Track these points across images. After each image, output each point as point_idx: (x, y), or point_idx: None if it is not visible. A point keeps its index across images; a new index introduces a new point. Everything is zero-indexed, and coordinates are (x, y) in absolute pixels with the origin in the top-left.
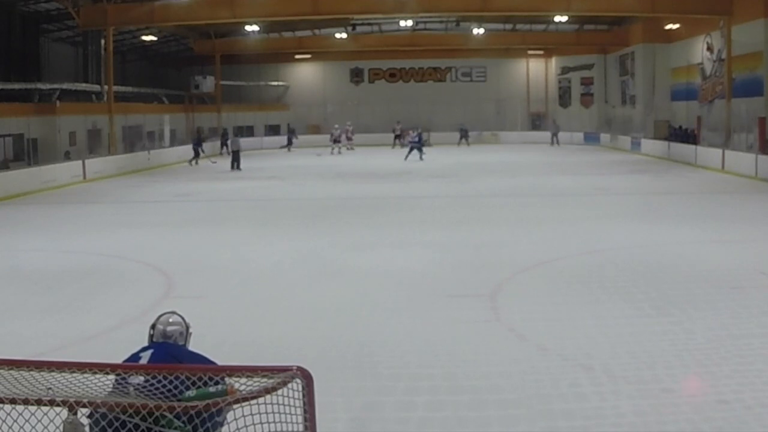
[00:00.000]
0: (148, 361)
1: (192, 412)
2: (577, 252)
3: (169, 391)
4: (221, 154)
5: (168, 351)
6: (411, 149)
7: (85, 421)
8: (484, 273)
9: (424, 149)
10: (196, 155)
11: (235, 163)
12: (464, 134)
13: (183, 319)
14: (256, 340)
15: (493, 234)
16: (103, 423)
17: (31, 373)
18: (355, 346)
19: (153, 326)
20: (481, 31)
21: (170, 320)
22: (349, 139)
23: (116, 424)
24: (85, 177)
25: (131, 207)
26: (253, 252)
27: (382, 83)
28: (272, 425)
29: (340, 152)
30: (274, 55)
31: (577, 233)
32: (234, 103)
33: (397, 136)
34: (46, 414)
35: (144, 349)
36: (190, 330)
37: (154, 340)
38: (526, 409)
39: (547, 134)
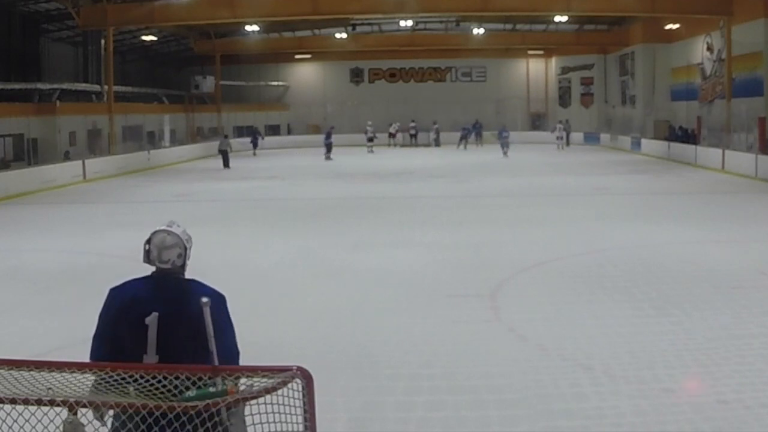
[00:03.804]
0: (156, 327)
1: (192, 412)
2: (577, 252)
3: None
4: (254, 154)
5: (176, 306)
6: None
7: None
8: (484, 273)
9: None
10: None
11: (225, 162)
12: (465, 135)
13: (180, 235)
14: (256, 340)
15: (493, 234)
16: (130, 425)
17: (31, 373)
18: (355, 346)
19: (149, 241)
20: (481, 31)
21: (167, 242)
22: (392, 135)
23: (143, 426)
24: (85, 177)
25: (131, 207)
26: (252, 252)
27: (382, 83)
28: (272, 425)
29: (373, 151)
30: (274, 55)
31: (577, 233)
32: (234, 103)
33: (412, 135)
34: (46, 414)
35: (145, 298)
36: (189, 244)
37: (150, 258)
38: (526, 409)
39: (548, 134)
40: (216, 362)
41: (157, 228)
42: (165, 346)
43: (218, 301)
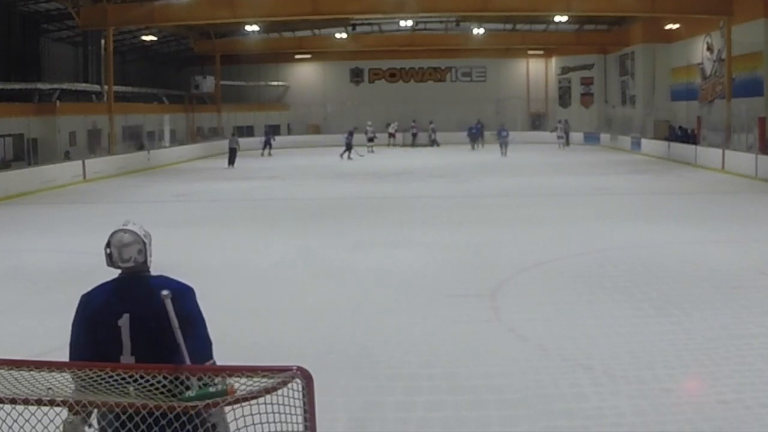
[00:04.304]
0: (129, 328)
1: (192, 412)
2: (577, 252)
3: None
4: (263, 154)
5: (144, 305)
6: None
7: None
8: (484, 273)
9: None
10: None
11: (231, 160)
12: (474, 136)
13: (137, 231)
14: (256, 340)
15: (493, 234)
16: (117, 424)
17: (31, 373)
18: (355, 346)
19: (108, 244)
20: (481, 31)
21: (125, 240)
22: (392, 136)
23: (129, 425)
24: (85, 177)
25: (131, 207)
26: (252, 252)
27: (382, 83)
28: (272, 425)
29: (373, 151)
30: (274, 55)
31: (577, 233)
32: (234, 103)
33: (413, 135)
34: (46, 414)
35: (115, 301)
36: (148, 239)
37: (113, 260)
38: (526, 409)
39: (548, 134)
40: (185, 356)
41: (114, 229)
42: (139, 346)
43: (187, 293)
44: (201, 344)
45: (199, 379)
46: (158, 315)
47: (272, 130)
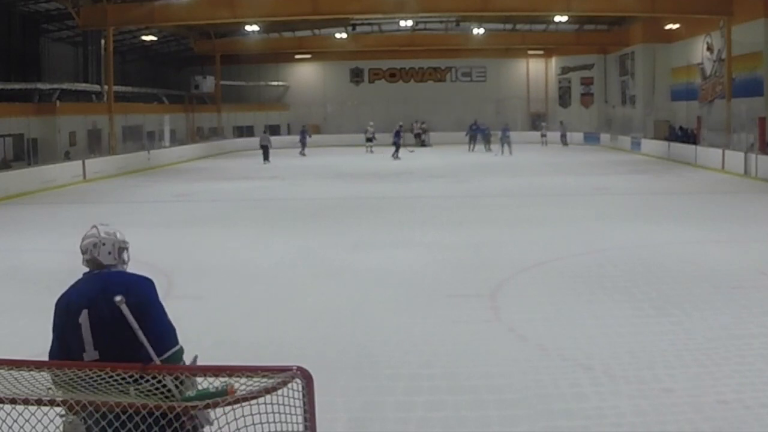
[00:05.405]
0: (88, 323)
1: (192, 412)
2: (577, 252)
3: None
4: (302, 154)
5: (99, 300)
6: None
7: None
8: (484, 273)
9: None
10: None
11: (265, 156)
12: (485, 137)
13: (98, 228)
14: (256, 340)
15: (493, 234)
16: (103, 423)
17: (31, 373)
18: (355, 346)
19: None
20: (481, 31)
21: (86, 235)
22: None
23: (116, 423)
24: (85, 177)
25: (131, 207)
26: (253, 252)
27: (382, 83)
28: (272, 425)
29: (372, 151)
30: (274, 55)
31: (577, 233)
32: (234, 103)
33: (416, 135)
34: (46, 414)
35: (75, 299)
36: (108, 236)
37: (85, 259)
38: (526, 409)
39: (549, 135)
40: (151, 353)
41: None
42: (101, 342)
43: (144, 284)
44: (163, 330)
45: (176, 378)
46: (112, 309)
47: (305, 128)
